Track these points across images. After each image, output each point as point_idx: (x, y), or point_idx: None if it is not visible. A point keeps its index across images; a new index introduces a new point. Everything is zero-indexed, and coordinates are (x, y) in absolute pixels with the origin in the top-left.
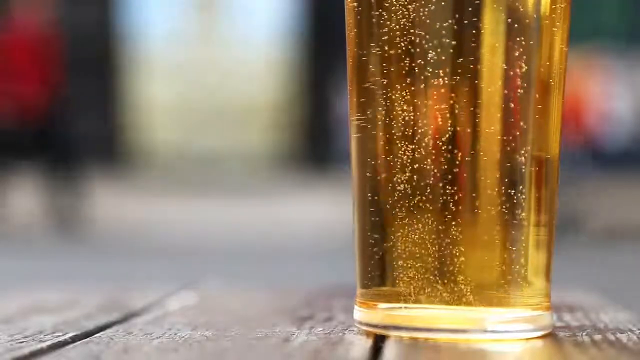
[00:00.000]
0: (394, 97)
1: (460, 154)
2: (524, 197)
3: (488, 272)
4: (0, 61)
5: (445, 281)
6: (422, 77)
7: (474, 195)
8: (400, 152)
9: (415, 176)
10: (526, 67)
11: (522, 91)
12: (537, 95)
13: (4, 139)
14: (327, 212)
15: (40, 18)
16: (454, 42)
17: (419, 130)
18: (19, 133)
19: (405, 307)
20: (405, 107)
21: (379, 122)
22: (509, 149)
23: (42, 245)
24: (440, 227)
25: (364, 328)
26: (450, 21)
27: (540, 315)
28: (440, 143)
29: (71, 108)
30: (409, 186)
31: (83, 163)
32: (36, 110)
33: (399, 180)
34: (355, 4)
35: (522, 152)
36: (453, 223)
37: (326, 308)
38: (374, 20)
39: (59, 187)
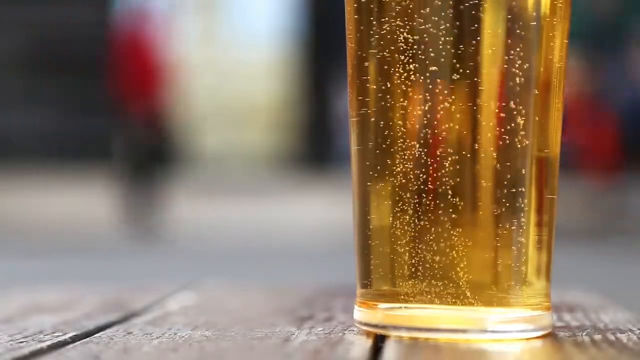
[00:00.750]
0: (394, 97)
1: (460, 153)
2: (524, 197)
3: (488, 272)
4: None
5: (446, 281)
6: (422, 77)
7: (474, 195)
8: (400, 152)
9: (415, 176)
10: (526, 67)
11: (522, 91)
12: (537, 95)
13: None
14: (327, 212)
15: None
16: (454, 42)
17: (419, 130)
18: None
19: (405, 307)
20: (405, 107)
21: (379, 122)
22: (509, 148)
23: (121, 248)
24: (440, 227)
25: (364, 328)
26: (450, 21)
27: (540, 315)
28: (440, 143)
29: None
30: (409, 186)
31: (161, 166)
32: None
33: (399, 180)
34: (355, 4)
35: (523, 151)
36: (453, 223)
37: (326, 308)
38: (374, 20)
39: (141, 189)
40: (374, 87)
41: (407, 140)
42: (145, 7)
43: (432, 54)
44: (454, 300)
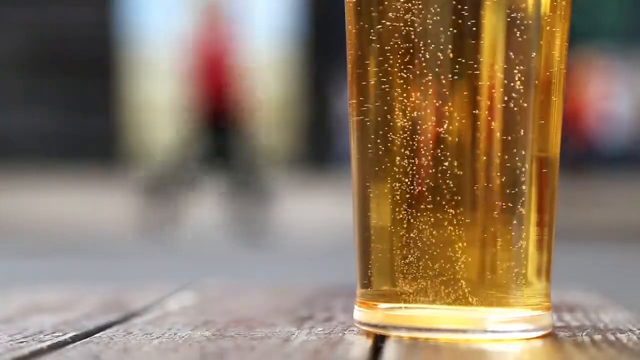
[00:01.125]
0: (394, 97)
1: (460, 153)
2: (524, 197)
3: (488, 272)
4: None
5: (446, 281)
6: (422, 76)
7: (474, 195)
8: (400, 152)
9: (415, 176)
10: (526, 67)
11: (522, 91)
12: (537, 95)
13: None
14: (327, 212)
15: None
16: (454, 42)
17: (419, 130)
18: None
19: (405, 307)
20: (405, 107)
21: (379, 122)
22: (509, 148)
23: (227, 252)
24: (440, 227)
25: (364, 328)
26: (450, 21)
27: (540, 315)
28: (440, 143)
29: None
30: (409, 186)
31: (262, 169)
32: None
33: (399, 180)
34: (355, 4)
35: (522, 151)
36: (453, 223)
37: (326, 308)
38: (374, 20)
39: (244, 193)
40: (374, 87)
41: (407, 140)
42: (220, 11)
43: (432, 54)
44: (454, 300)
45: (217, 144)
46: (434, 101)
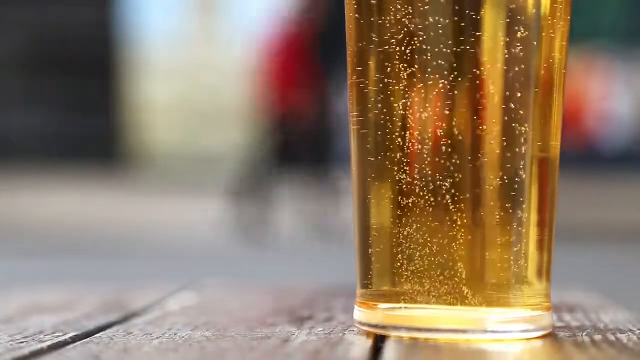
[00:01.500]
0: (393, 96)
1: (460, 153)
2: (524, 197)
3: (488, 272)
4: (278, 66)
5: (446, 281)
6: (422, 76)
7: (474, 195)
8: (400, 151)
9: (415, 176)
10: (526, 67)
11: (522, 91)
12: (537, 95)
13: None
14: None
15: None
16: (454, 42)
17: (419, 130)
18: (294, 138)
19: (405, 307)
20: (405, 107)
21: (379, 122)
22: (509, 148)
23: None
24: (440, 227)
25: (364, 328)
26: (450, 20)
27: (540, 315)
28: (440, 142)
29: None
30: (409, 186)
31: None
32: (307, 114)
33: (399, 180)
34: (355, 4)
35: (522, 151)
36: (453, 223)
37: (326, 308)
38: (374, 19)
39: (320, 191)
40: (374, 86)
41: (407, 140)
42: (287, 12)
43: (432, 55)
44: (454, 301)
45: (290, 143)
46: (434, 101)
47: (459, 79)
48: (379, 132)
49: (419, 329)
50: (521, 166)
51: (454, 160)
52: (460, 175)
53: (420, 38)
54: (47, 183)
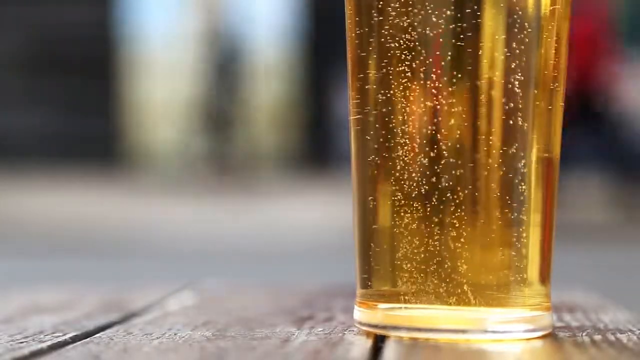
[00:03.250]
0: (393, 97)
1: (460, 154)
2: (524, 197)
3: (488, 273)
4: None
5: (446, 281)
6: (422, 76)
7: (474, 195)
8: (400, 152)
9: (415, 176)
10: (526, 67)
11: (522, 91)
12: (537, 95)
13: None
14: (327, 212)
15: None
16: (454, 41)
17: (419, 130)
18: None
19: (405, 307)
20: (405, 107)
21: (379, 122)
22: (509, 148)
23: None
24: (440, 227)
25: (364, 328)
26: (450, 20)
27: (540, 315)
28: (440, 142)
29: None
30: (409, 186)
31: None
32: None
33: (399, 180)
34: (355, 4)
35: (523, 151)
36: (453, 223)
37: (326, 308)
38: (374, 19)
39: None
40: (374, 87)
41: (407, 140)
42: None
43: (432, 55)
44: (454, 301)
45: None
46: (435, 102)
47: (460, 79)
48: (379, 133)
49: (419, 329)
50: (522, 166)
51: (454, 161)
52: (461, 176)
53: (420, 38)
54: (47, 183)
